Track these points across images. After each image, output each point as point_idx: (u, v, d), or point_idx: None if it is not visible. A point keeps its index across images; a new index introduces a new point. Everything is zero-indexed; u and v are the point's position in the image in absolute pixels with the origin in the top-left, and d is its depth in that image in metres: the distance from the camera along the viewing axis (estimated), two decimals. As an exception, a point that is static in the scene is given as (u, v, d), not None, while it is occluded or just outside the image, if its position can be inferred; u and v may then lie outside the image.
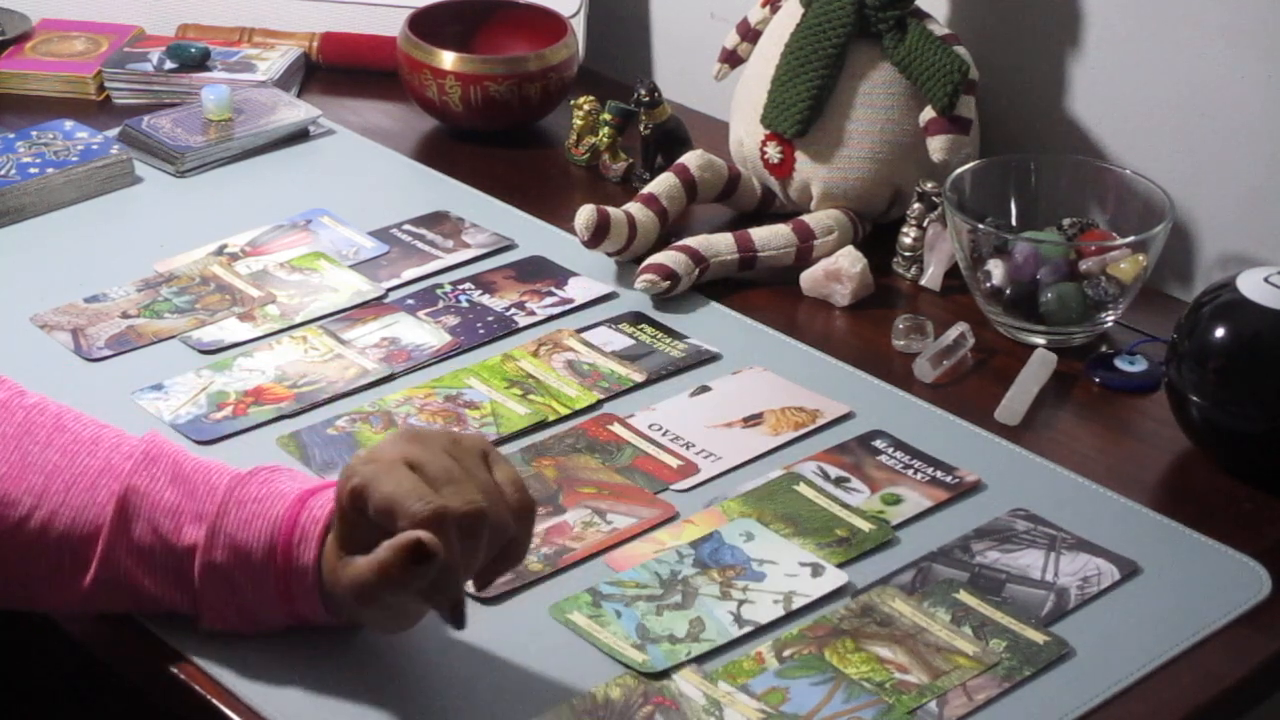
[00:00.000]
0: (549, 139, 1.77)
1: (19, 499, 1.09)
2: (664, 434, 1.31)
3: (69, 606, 1.11)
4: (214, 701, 1.07)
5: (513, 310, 1.46)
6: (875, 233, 1.57)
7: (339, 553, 1.03)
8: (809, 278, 1.50)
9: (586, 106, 1.70)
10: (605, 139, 1.68)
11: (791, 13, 1.57)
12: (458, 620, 1.03)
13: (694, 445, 1.30)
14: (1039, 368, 1.38)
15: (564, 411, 1.33)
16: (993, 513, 1.23)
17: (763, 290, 1.51)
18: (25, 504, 1.09)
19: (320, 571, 1.05)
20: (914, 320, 1.43)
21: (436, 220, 1.60)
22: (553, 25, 1.79)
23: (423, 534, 0.98)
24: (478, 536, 1.01)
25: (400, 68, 1.75)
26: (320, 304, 1.46)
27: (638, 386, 1.37)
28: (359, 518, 1.02)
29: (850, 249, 1.50)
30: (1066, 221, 1.48)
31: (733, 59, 1.65)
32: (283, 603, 1.07)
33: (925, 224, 1.52)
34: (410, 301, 1.47)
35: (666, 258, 1.48)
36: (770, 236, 1.52)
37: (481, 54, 1.75)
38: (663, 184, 1.57)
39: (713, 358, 1.41)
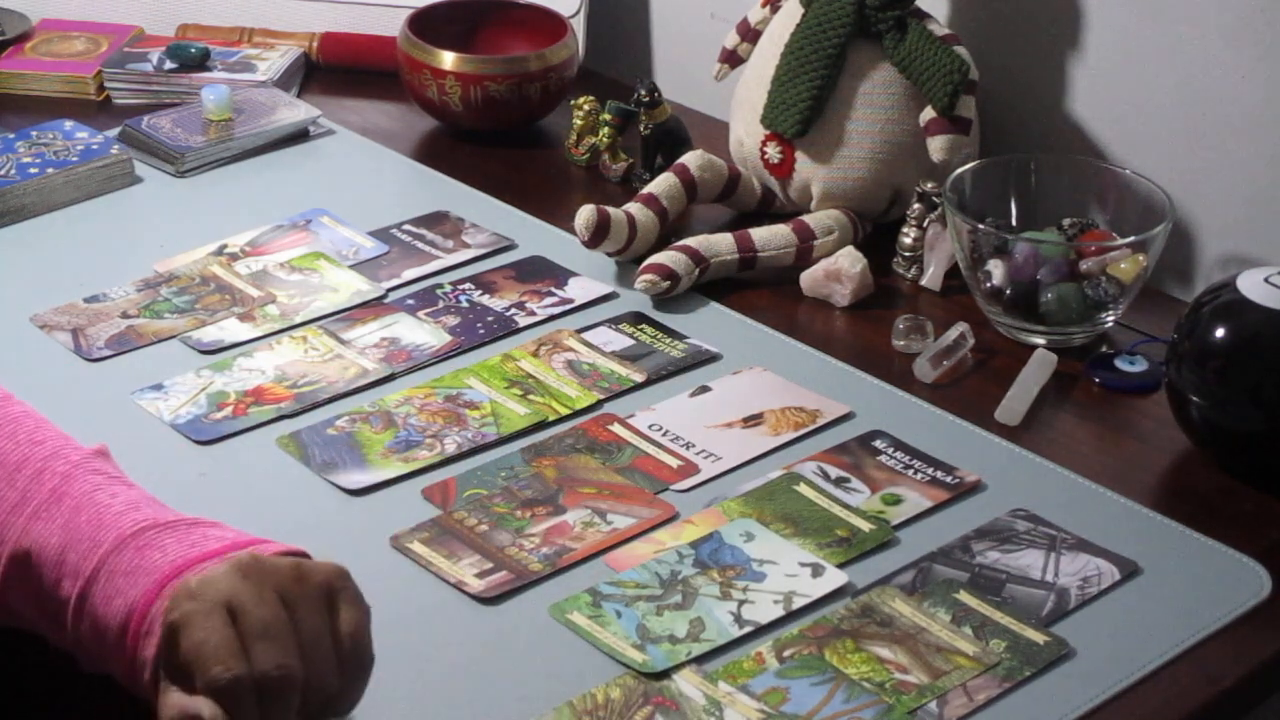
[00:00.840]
0: (549, 139, 1.77)
1: None
2: (664, 434, 1.31)
3: None
4: (214, 701, 1.07)
5: (513, 310, 1.46)
6: (875, 233, 1.57)
7: (160, 675, 0.95)
8: (809, 278, 1.50)
9: (586, 106, 1.70)
10: (605, 139, 1.68)
11: (791, 13, 1.57)
12: None
13: (694, 445, 1.30)
14: (1039, 368, 1.38)
15: (564, 411, 1.33)
16: (993, 513, 1.23)
17: (763, 290, 1.51)
18: None
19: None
20: (914, 320, 1.43)
21: (436, 220, 1.60)
22: (553, 25, 1.79)
23: (203, 709, 0.91)
24: (283, 700, 0.92)
25: (400, 68, 1.75)
26: (320, 304, 1.46)
27: (638, 386, 1.37)
28: (173, 653, 0.94)
29: (850, 249, 1.50)
30: (1066, 221, 1.48)
31: (733, 59, 1.65)
32: (132, 684, 1.00)
33: (925, 224, 1.52)
34: (410, 301, 1.47)
35: (666, 258, 1.48)
36: (770, 236, 1.52)
37: (481, 54, 1.75)
38: (663, 184, 1.57)
39: (713, 358, 1.41)
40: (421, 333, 1.42)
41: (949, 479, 1.26)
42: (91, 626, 1.00)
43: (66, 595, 1.01)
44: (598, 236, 1.49)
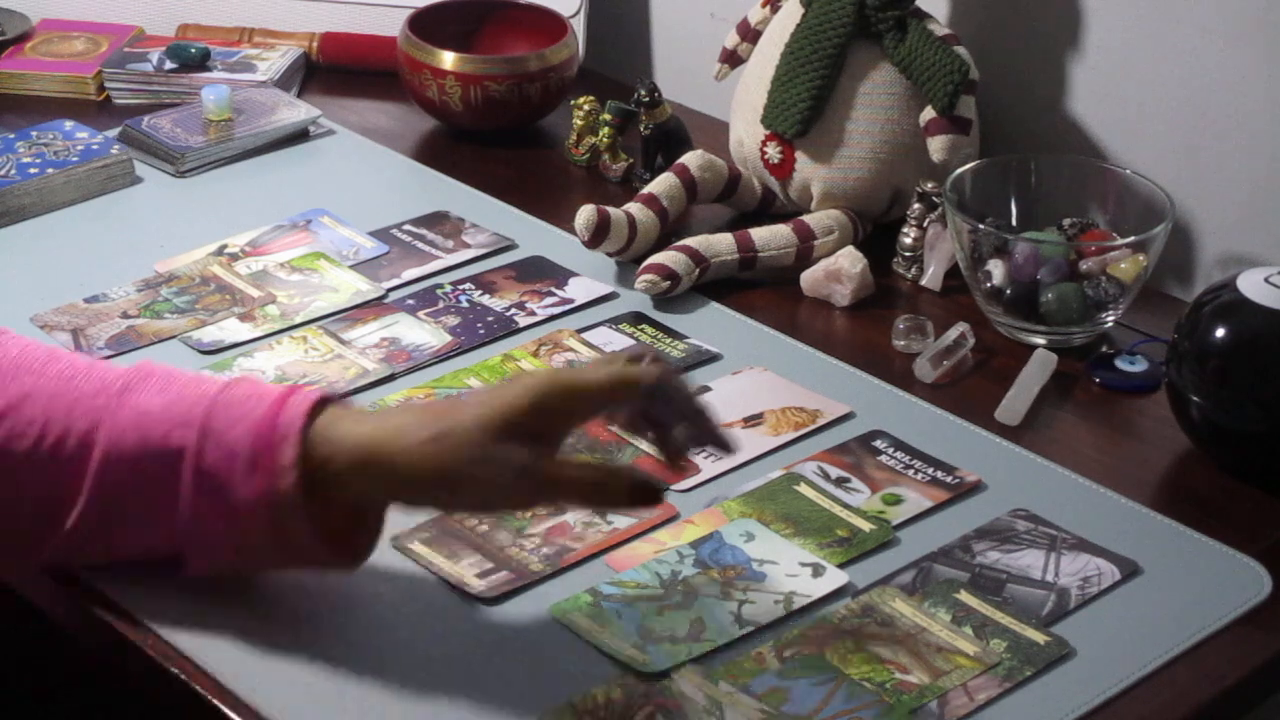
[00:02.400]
0: (549, 139, 1.77)
1: (24, 430, 1.09)
2: (664, 434, 1.30)
3: (50, 553, 1.11)
4: (214, 701, 1.07)
5: (513, 310, 1.46)
6: (875, 233, 1.57)
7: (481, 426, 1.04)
8: (809, 278, 1.50)
9: (586, 106, 1.70)
10: (605, 139, 1.68)
11: (791, 13, 1.57)
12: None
13: (694, 445, 1.30)
14: (1039, 368, 1.38)
15: (564, 411, 1.33)
16: (993, 513, 1.24)
17: (763, 290, 1.51)
18: (31, 434, 1.09)
19: (308, 470, 1.05)
20: (914, 320, 1.43)
21: (436, 220, 1.60)
22: (553, 25, 1.79)
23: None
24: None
25: (400, 68, 1.75)
26: (320, 304, 1.46)
27: (638, 386, 1.36)
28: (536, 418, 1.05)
29: (850, 249, 1.50)
30: (1066, 221, 1.48)
31: (733, 59, 1.65)
32: (269, 510, 1.06)
33: (925, 224, 1.52)
34: (410, 302, 1.47)
35: (666, 258, 1.48)
36: (770, 236, 1.52)
37: (481, 54, 1.75)
38: (663, 184, 1.57)
39: (713, 358, 1.41)
40: (422, 333, 1.42)
41: (949, 479, 1.27)
42: (216, 459, 1.07)
43: (179, 444, 1.07)
44: (598, 236, 1.49)
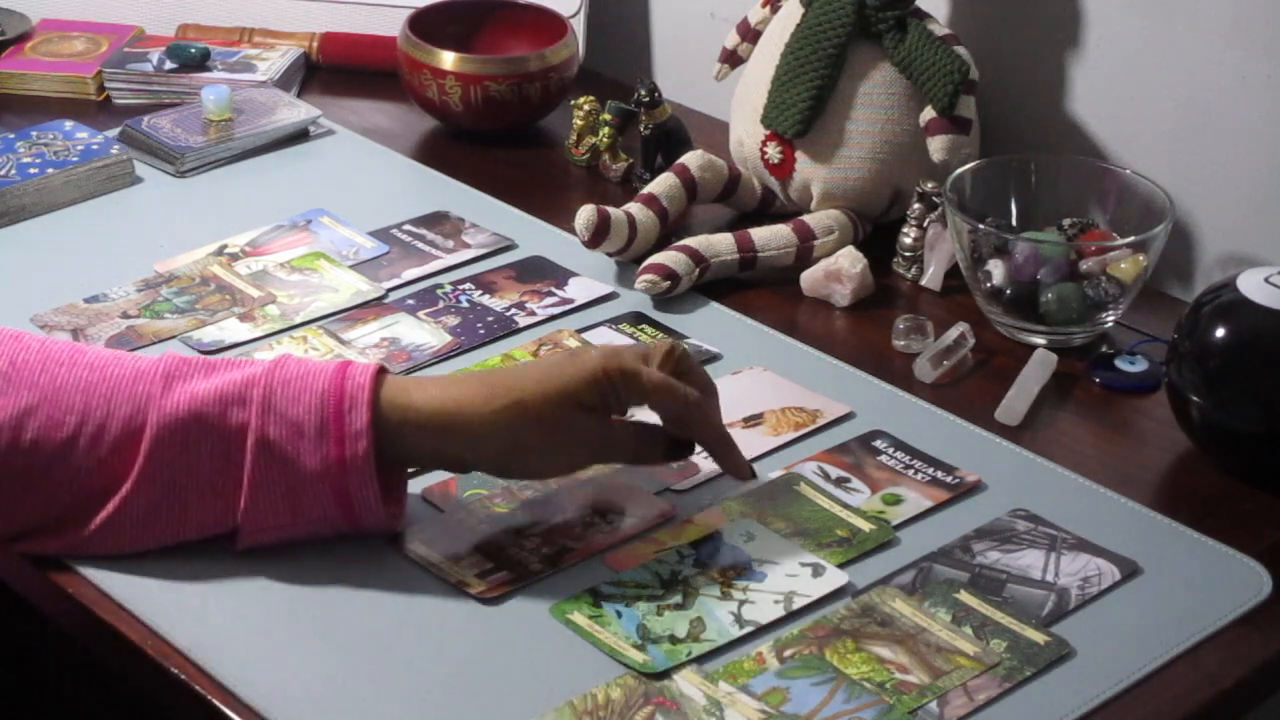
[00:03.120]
0: (549, 139, 1.77)
1: (62, 419, 1.11)
2: (664, 434, 1.31)
3: (98, 538, 1.13)
4: (213, 701, 1.07)
5: (513, 310, 1.46)
6: (875, 233, 1.57)
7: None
8: (809, 278, 1.50)
9: (586, 106, 1.70)
10: (605, 139, 1.68)
11: (791, 13, 1.57)
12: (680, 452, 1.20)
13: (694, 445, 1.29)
14: (1039, 368, 1.38)
15: (564, 411, 1.33)
16: (993, 513, 1.24)
17: (763, 290, 1.51)
18: (70, 423, 1.11)
19: (378, 434, 1.11)
20: (914, 320, 1.43)
21: (436, 220, 1.60)
22: (553, 25, 1.79)
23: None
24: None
25: (400, 68, 1.75)
26: (320, 304, 1.46)
27: (638, 386, 1.36)
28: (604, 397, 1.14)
29: (850, 249, 1.50)
30: (1066, 221, 1.48)
31: (733, 59, 1.65)
32: (335, 476, 1.11)
33: (925, 224, 1.52)
34: (410, 302, 1.47)
35: (666, 258, 1.48)
36: (770, 236, 1.52)
37: (481, 54, 1.75)
38: (663, 184, 1.57)
39: (713, 358, 1.41)
40: (421, 333, 1.42)
41: (949, 479, 1.27)
42: (281, 433, 1.11)
43: (242, 421, 1.11)
44: (598, 236, 1.49)
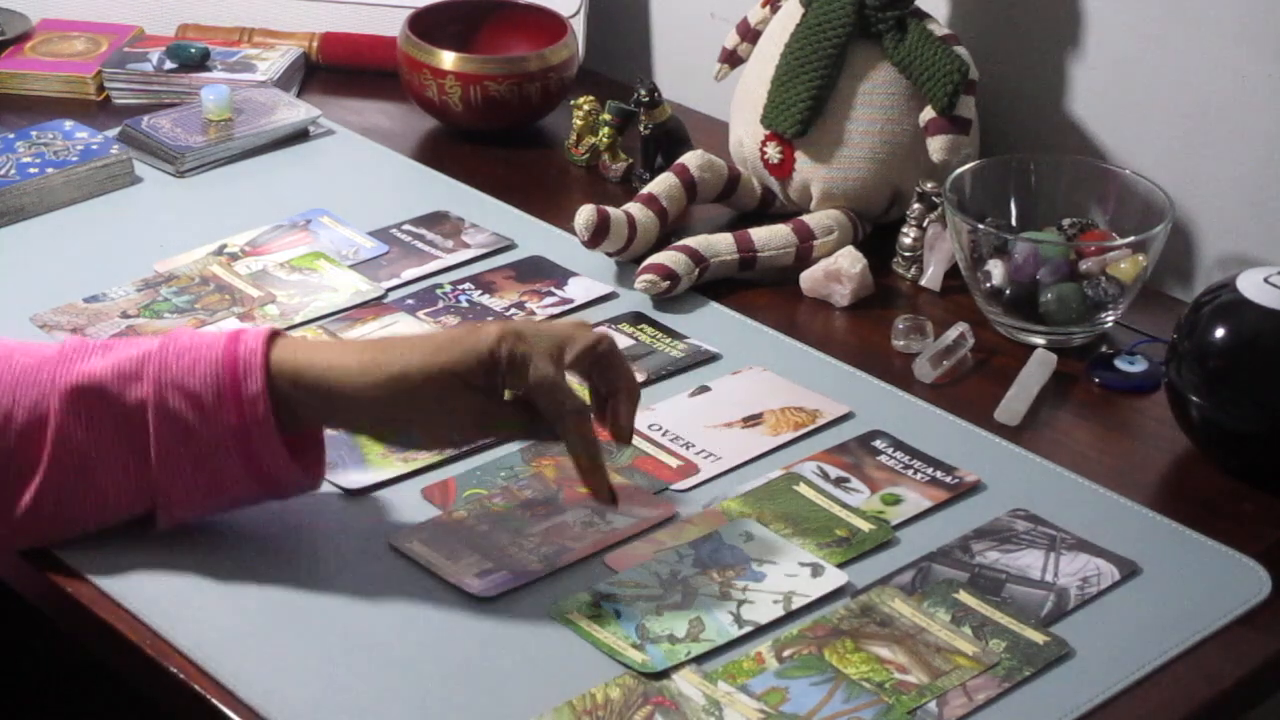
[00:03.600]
0: (549, 139, 1.77)
1: None
2: (664, 434, 1.31)
3: (15, 531, 1.13)
4: (212, 700, 1.07)
5: (513, 310, 1.46)
6: (875, 233, 1.57)
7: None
8: (809, 278, 1.50)
9: (586, 106, 1.70)
10: (605, 139, 1.68)
11: (791, 13, 1.57)
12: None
13: (694, 445, 1.30)
14: (1039, 368, 1.38)
15: (564, 411, 1.33)
16: (993, 513, 1.23)
17: (763, 290, 1.51)
18: None
19: (274, 398, 1.12)
20: (914, 320, 1.43)
21: (436, 220, 1.60)
22: (553, 25, 1.79)
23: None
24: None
25: (400, 68, 1.75)
26: (320, 304, 1.46)
27: (638, 386, 1.36)
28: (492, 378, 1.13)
29: (850, 249, 1.50)
30: (1066, 221, 1.48)
31: (733, 59, 1.65)
32: (238, 442, 1.12)
33: (925, 224, 1.52)
34: (410, 301, 1.47)
35: (666, 258, 1.48)
36: (770, 236, 1.52)
37: (481, 54, 1.75)
38: (663, 184, 1.57)
39: (713, 358, 1.41)
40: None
41: (949, 479, 1.26)
42: (181, 399, 1.12)
43: (140, 397, 1.11)
44: (598, 236, 1.49)
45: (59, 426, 1.11)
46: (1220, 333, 1.26)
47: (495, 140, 1.75)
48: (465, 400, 1.14)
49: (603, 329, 1.19)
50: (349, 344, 1.18)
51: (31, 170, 1.59)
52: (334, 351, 1.15)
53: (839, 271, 1.48)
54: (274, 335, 1.15)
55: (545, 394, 1.14)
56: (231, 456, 1.13)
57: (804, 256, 1.52)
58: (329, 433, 1.25)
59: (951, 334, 1.41)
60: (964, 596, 1.15)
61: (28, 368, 1.13)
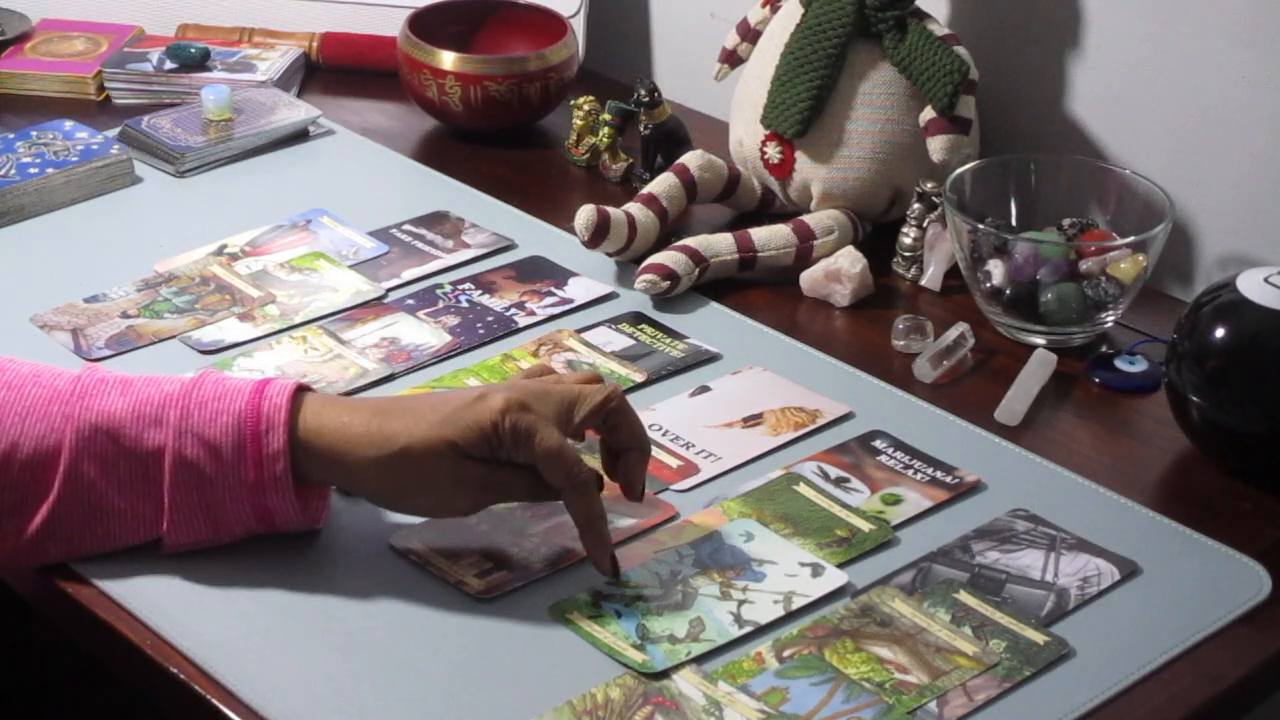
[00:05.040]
0: (549, 139, 1.77)
1: None
2: (664, 434, 1.31)
3: (19, 553, 1.13)
4: (212, 700, 1.07)
5: (513, 310, 1.46)
6: (875, 233, 1.57)
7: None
8: (809, 278, 1.50)
9: (586, 106, 1.70)
10: (605, 139, 1.68)
11: (791, 13, 1.57)
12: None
13: (694, 445, 1.30)
14: (1039, 368, 1.38)
15: (564, 411, 1.33)
16: (993, 513, 1.23)
17: (763, 290, 1.51)
18: None
19: (293, 456, 1.12)
20: (914, 320, 1.43)
21: (436, 220, 1.60)
22: (553, 25, 1.79)
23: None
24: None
25: (400, 68, 1.75)
26: (320, 304, 1.46)
27: (638, 386, 1.37)
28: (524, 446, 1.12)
29: (850, 249, 1.50)
30: (1066, 221, 1.48)
31: (733, 59, 1.65)
32: (253, 495, 1.12)
33: (925, 224, 1.52)
34: (410, 301, 1.47)
35: (666, 258, 1.48)
36: (770, 236, 1.52)
37: (481, 54, 1.75)
38: (663, 184, 1.57)
39: (713, 358, 1.41)
40: (421, 333, 1.42)
41: (949, 479, 1.26)
42: (200, 449, 1.11)
43: (159, 443, 1.11)
44: (598, 236, 1.49)
45: (71, 462, 1.11)
46: (1220, 333, 1.26)
47: (495, 140, 1.75)
48: (469, 471, 1.13)
49: (613, 384, 1.17)
50: (361, 405, 1.15)
51: (31, 170, 1.59)
52: (347, 413, 1.14)
53: (839, 271, 1.48)
54: (301, 389, 1.15)
55: (550, 465, 1.13)
56: (243, 506, 1.13)
57: (804, 256, 1.52)
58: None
59: (951, 334, 1.41)
60: (964, 596, 1.15)
61: (38, 401, 1.12)
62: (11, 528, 1.12)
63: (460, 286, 1.49)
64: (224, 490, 1.12)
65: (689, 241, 1.50)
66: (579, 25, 1.84)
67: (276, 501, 1.13)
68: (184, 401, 1.12)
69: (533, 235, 1.57)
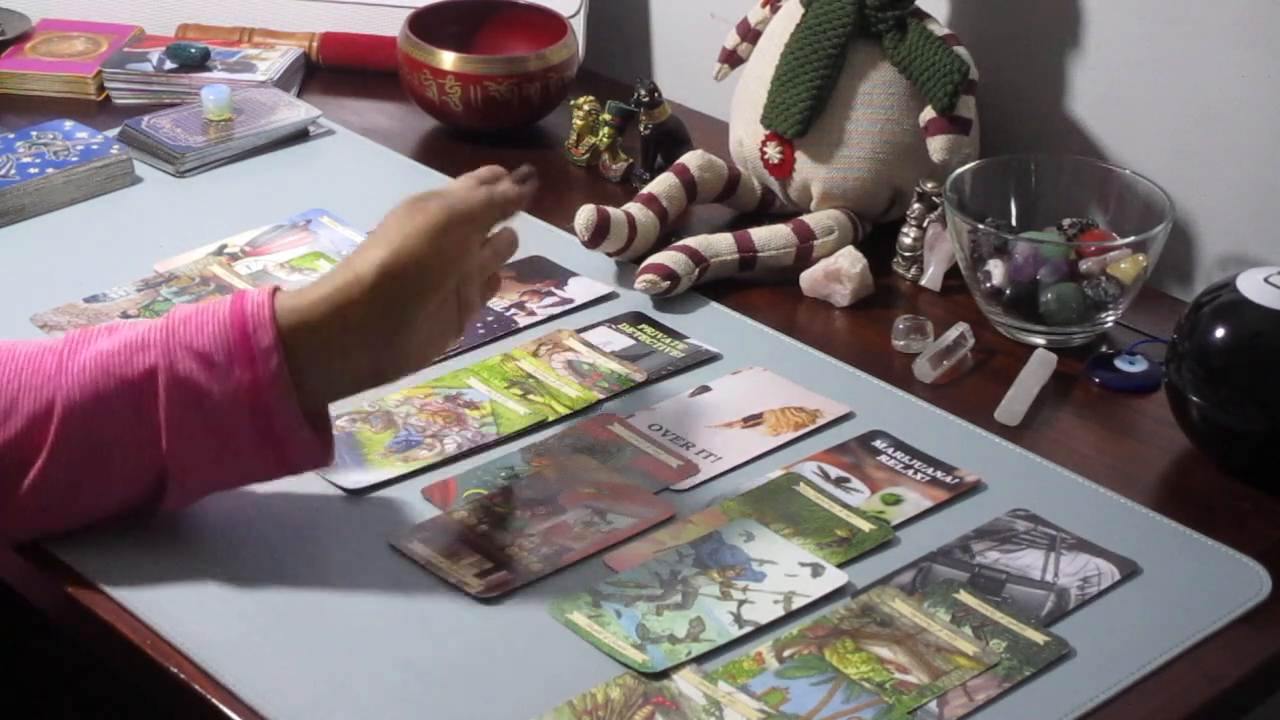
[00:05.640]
0: (549, 139, 1.77)
1: None
2: (664, 434, 1.31)
3: (25, 511, 1.12)
4: (212, 700, 1.07)
5: (513, 310, 1.46)
6: (875, 233, 1.57)
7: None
8: (809, 278, 1.50)
9: (586, 106, 1.70)
10: (605, 139, 1.68)
11: (791, 13, 1.57)
12: None
13: (694, 445, 1.30)
14: (1039, 368, 1.38)
15: (564, 411, 1.33)
16: (993, 513, 1.24)
17: (763, 290, 1.51)
18: None
19: (287, 351, 1.12)
20: (914, 320, 1.43)
21: (436, 220, 1.59)
22: (553, 25, 1.79)
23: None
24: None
25: (400, 68, 1.75)
26: (320, 304, 1.46)
27: (638, 386, 1.37)
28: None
29: (850, 249, 1.50)
30: (1066, 221, 1.48)
31: (733, 59, 1.65)
32: (250, 397, 1.11)
33: (925, 224, 1.52)
34: (410, 301, 1.46)
35: (666, 258, 1.48)
36: (770, 236, 1.52)
37: (481, 54, 1.75)
38: (663, 184, 1.57)
39: (713, 358, 1.41)
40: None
41: (949, 479, 1.27)
42: (191, 366, 1.11)
43: (149, 364, 1.11)
44: (598, 236, 1.49)
45: (65, 407, 1.11)
46: (1220, 333, 1.26)
47: (495, 140, 1.75)
48: (438, 247, 1.16)
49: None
50: (325, 283, 1.17)
51: (31, 170, 1.59)
52: (317, 291, 1.15)
53: (839, 271, 1.48)
54: (276, 290, 1.15)
55: (497, 207, 1.23)
56: (244, 417, 1.12)
57: (804, 256, 1.52)
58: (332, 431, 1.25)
59: (951, 334, 1.41)
60: (964, 596, 1.15)
61: (29, 354, 1.13)
62: (12, 485, 1.11)
63: (460, 286, 1.49)
64: (222, 399, 1.11)
65: (689, 241, 1.50)
66: (579, 25, 1.84)
67: (276, 406, 1.12)
68: (167, 322, 1.13)
69: (533, 235, 1.57)
